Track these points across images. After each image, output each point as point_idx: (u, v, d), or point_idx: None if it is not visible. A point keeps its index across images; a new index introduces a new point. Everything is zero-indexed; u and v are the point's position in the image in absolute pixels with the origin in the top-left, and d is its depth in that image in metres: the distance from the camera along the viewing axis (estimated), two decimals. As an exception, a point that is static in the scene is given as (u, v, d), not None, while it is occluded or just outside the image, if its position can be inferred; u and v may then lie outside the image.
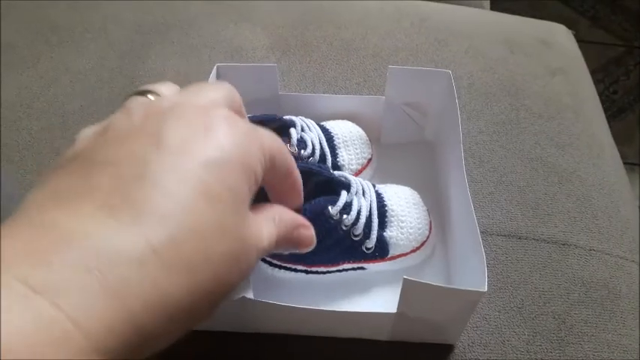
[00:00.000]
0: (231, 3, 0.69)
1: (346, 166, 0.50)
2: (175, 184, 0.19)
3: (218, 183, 0.20)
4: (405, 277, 0.34)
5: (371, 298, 0.44)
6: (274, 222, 0.26)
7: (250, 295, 0.37)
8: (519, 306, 0.44)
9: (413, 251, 0.44)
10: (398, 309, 0.37)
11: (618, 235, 0.50)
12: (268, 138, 0.25)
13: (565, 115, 0.58)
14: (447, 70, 0.47)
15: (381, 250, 0.42)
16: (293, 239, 0.28)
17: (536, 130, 0.57)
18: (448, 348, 0.41)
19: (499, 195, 0.51)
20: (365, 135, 0.52)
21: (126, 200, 0.18)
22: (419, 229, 0.44)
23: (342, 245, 0.41)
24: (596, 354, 0.42)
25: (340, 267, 0.42)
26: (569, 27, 1.68)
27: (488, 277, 0.45)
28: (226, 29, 0.66)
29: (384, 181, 0.52)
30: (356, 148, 0.51)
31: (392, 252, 0.43)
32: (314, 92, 0.59)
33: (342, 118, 0.53)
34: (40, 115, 0.57)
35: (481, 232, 0.48)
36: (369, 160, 0.51)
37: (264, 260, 0.42)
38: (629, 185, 0.58)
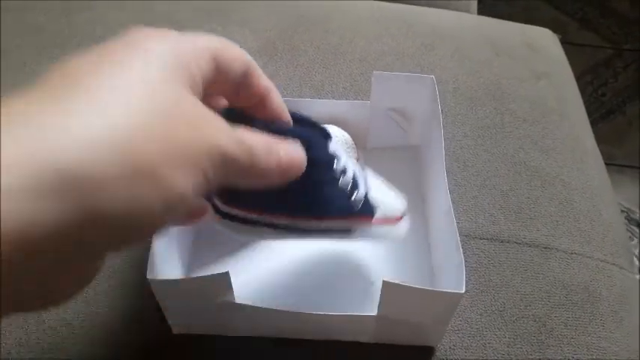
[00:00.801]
0: (220, 6, 0.69)
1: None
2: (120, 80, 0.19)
3: (159, 83, 0.20)
4: (384, 279, 0.34)
5: (356, 277, 0.44)
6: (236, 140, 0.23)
7: (232, 298, 0.37)
8: (501, 309, 0.44)
9: (398, 219, 0.40)
10: (379, 311, 0.37)
11: (599, 239, 0.51)
12: (204, 39, 0.24)
13: (549, 119, 0.59)
14: (431, 76, 0.48)
15: (368, 209, 0.37)
16: (272, 161, 0.24)
17: (520, 134, 0.57)
18: (430, 350, 0.42)
19: (482, 199, 0.51)
20: (351, 139, 0.52)
21: (68, 90, 0.18)
22: (397, 199, 0.41)
23: (329, 189, 0.34)
24: (575, 356, 0.43)
25: (326, 223, 0.35)
26: (559, 29, 1.70)
27: (470, 281, 0.46)
28: (214, 32, 0.66)
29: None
30: (342, 153, 0.51)
31: (377, 214, 0.38)
32: (300, 96, 0.59)
33: (329, 123, 0.53)
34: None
35: (464, 236, 0.49)
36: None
37: (237, 218, 0.33)
38: (612, 188, 0.58)
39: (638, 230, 1.21)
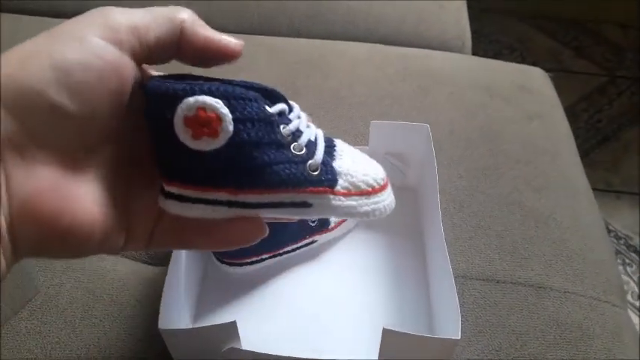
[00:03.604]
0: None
1: None
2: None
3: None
4: (384, 327, 0.36)
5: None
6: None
7: (239, 344, 0.39)
8: (497, 349, 0.46)
9: (374, 191, 0.33)
10: (379, 357, 0.39)
11: (592, 277, 0.53)
12: (139, 14, 0.26)
13: (542, 159, 0.61)
14: (425, 124, 0.51)
15: (326, 178, 0.31)
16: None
17: (514, 174, 0.60)
18: (430, 391, 0.44)
19: (478, 239, 0.54)
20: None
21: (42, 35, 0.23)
22: (373, 167, 0.34)
23: (274, 155, 0.29)
24: (570, 395, 0.44)
25: (275, 196, 0.30)
26: (554, 58, 1.73)
27: (467, 321, 0.48)
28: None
29: (369, 227, 0.55)
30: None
31: (340, 185, 0.31)
32: (303, 140, 0.62)
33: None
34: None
35: (462, 277, 0.51)
36: (355, 207, 0.54)
37: (183, 197, 0.29)
38: (603, 224, 0.60)
39: (637, 257, 1.22)
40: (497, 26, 1.71)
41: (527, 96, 0.70)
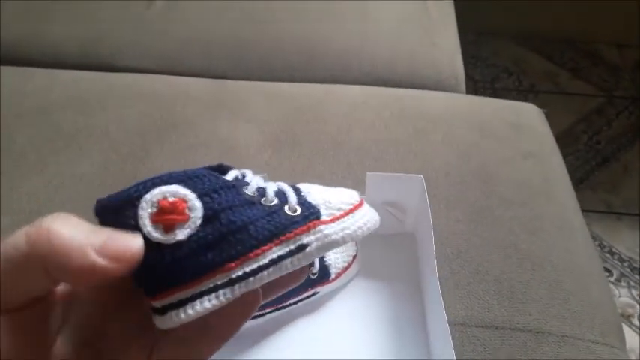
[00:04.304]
0: (226, 103, 0.75)
1: (333, 265, 0.54)
2: None
3: None
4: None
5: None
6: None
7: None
8: (497, 398, 0.47)
9: (356, 208, 0.33)
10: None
11: (589, 319, 0.54)
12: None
13: (536, 200, 0.63)
14: (420, 176, 0.52)
15: (311, 213, 0.30)
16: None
17: (509, 216, 0.61)
18: None
19: (477, 285, 0.55)
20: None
21: None
22: (343, 191, 0.34)
23: (256, 213, 0.28)
24: None
25: (275, 250, 0.28)
26: (551, 80, 1.75)
27: (467, 372, 0.49)
28: (221, 128, 0.71)
29: (370, 275, 0.56)
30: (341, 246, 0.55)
31: (324, 215, 0.31)
32: (302, 188, 0.63)
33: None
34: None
35: (460, 325, 0.52)
36: (355, 256, 0.55)
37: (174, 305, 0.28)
38: (600, 263, 0.62)
39: (640, 279, 1.23)
40: (494, 49, 1.74)
41: (520, 134, 0.72)
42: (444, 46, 0.89)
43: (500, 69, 1.69)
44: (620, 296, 1.20)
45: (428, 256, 0.50)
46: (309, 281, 0.52)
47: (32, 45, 0.90)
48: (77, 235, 0.21)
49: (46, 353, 0.23)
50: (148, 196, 0.25)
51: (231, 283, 0.26)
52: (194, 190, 0.26)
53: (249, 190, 0.29)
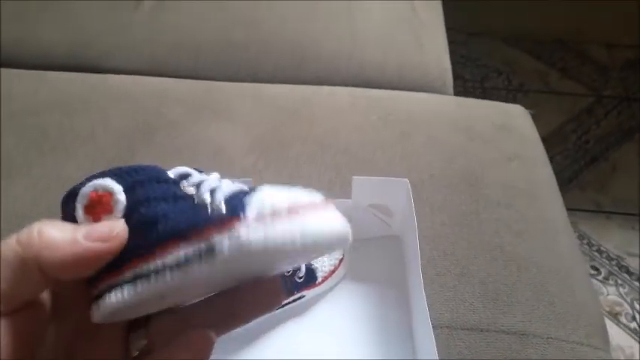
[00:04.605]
0: (213, 105, 0.74)
1: (319, 269, 0.54)
2: None
3: None
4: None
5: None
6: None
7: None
8: (482, 400, 0.47)
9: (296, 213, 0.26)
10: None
11: (574, 321, 0.54)
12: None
13: (521, 202, 0.63)
14: (405, 180, 0.52)
15: (231, 210, 0.26)
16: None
17: (495, 218, 0.61)
18: None
19: (462, 288, 0.55)
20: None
21: None
22: (298, 191, 0.28)
23: (178, 206, 0.26)
24: None
25: (183, 249, 0.25)
26: (541, 79, 1.76)
27: (451, 375, 0.49)
28: (207, 130, 0.71)
29: (356, 278, 0.57)
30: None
31: (250, 212, 0.26)
32: (289, 191, 0.63)
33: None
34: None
35: (446, 327, 0.52)
36: (341, 259, 0.55)
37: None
38: (585, 264, 0.62)
39: (629, 278, 1.24)
40: (484, 49, 1.74)
41: (506, 136, 0.72)
42: (431, 47, 0.89)
43: (490, 69, 1.70)
44: (608, 294, 1.21)
45: (413, 259, 0.50)
46: (296, 285, 0.52)
47: (20, 47, 0.89)
48: (64, 230, 0.23)
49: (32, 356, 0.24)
50: (84, 189, 0.25)
51: (134, 280, 0.25)
52: (123, 184, 0.26)
53: (188, 185, 0.27)
